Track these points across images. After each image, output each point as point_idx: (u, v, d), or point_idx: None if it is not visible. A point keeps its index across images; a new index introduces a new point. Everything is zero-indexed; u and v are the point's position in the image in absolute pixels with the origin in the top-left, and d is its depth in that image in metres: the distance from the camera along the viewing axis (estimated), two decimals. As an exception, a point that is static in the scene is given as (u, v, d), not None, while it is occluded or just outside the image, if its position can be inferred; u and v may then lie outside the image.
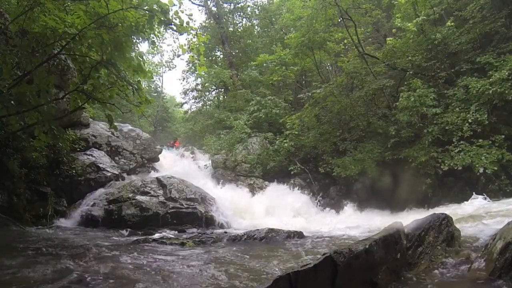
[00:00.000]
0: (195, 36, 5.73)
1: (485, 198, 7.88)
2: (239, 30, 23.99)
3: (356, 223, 8.37)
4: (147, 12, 5.10)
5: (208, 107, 24.04)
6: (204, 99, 24.05)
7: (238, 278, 3.67)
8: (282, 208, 10.37)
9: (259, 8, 24.00)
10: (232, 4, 24.03)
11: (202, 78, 21.64)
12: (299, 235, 6.31)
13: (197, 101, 24.38)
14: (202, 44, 5.83)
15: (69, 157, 8.97)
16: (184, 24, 5.26)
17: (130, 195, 8.33)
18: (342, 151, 11.76)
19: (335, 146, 12.17)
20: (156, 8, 5.06)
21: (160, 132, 29.97)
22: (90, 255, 4.52)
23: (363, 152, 10.80)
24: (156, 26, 5.45)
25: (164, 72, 34.05)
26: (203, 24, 24.57)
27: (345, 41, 13.72)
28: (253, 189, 12.00)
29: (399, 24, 11.61)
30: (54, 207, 7.96)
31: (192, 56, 6.60)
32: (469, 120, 9.03)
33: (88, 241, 5.77)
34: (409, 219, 4.53)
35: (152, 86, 32.50)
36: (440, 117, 9.66)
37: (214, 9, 23.50)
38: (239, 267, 4.11)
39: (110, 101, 5.38)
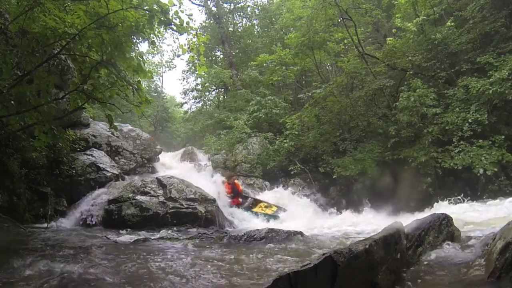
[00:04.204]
0: (195, 36, 5.72)
1: None
2: (239, 30, 23.96)
3: (356, 223, 8.38)
4: (147, 12, 5.09)
5: (208, 107, 24.00)
6: (204, 99, 24.01)
7: (238, 278, 3.68)
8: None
9: (259, 8, 23.97)
10: (232, 4, 24.01)
11: (202, 78, 21.59)
12: (299, 235, 6.31)
13: (197, 101, 24.35)
14: (202, 44, 5.82)
15: (69, 157, 8.96)
16: (184, 24, 5.25)
17: (130, 195, 8.31)
18: (342, 151, 11.74)
19: (335, 146, 12.16)
20: (156, 8, 5.06)
21: (160, 132, 29.93)
22: (90, 255, 4.53)
23: (363, 152, 10.79)
24: (156, 26, 5.44)
25: (164, 72, 33.94)
26: (203, 24, 24.56)
27: (345, 41, 13.69)
28: (253, 189, 11.99)
29: (399, 24, 11.60)
30: (54, 207, 7.96)
31: (192, 56, 6.58)
32: (469, 120, 9.03)
33: (88, 241, 5.77)
34: (409, 219, 4.53)
35: (152, 86, 32.43)
36: (440, 117, 9.65)
37: (214, 9, 23.47)
38: (239, 267, 4.11)
39: (110, 101, 5.38)
